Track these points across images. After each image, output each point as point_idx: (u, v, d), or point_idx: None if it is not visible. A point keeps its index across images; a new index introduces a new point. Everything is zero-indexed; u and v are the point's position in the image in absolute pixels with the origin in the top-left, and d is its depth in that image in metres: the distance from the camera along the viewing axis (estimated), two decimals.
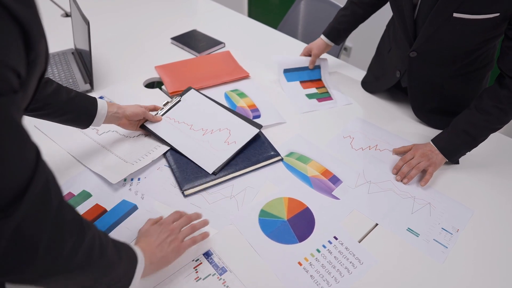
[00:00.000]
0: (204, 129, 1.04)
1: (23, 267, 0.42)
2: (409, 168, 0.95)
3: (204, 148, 0.98)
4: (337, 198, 0.90)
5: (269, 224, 0.83)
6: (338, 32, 1.25)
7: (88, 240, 0.50)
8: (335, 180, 0.94)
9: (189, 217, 0.76)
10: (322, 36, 1.27)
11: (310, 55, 1.30)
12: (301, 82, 1.25)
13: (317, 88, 1.25)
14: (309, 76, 1.28)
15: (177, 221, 0.75)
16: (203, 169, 0.92)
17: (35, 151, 0.42)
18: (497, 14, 0.82)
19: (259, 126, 1.03)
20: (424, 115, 1.13)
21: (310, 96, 1.21)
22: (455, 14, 0.86)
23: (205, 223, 0.78)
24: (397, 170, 0.97)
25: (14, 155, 0.38)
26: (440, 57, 1.00)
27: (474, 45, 0.94)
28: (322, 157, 1.00)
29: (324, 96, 1.22)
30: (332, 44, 1.27)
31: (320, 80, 1.28)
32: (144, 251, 0.65)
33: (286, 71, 1.25)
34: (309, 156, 1.00)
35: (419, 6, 0.92)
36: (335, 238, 0.81)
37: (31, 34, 0.35)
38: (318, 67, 1.30)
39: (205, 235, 0.75)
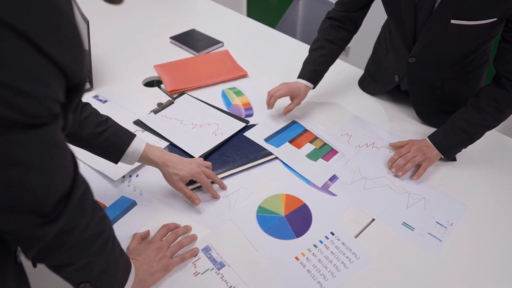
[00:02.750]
0: (194, 123, 1.08)
1: (56, 254, 0.49)
2: (405, 161, 0.97)
3: (192, 138, 1.03)
4: (334, 194, 0.91)
5: (267, 220, 0.84)
6: (319, 73, 1.12)
7: (107, 233, 0.56)
8: (332, 176, 0.95)
9: (176, 233, 0.78)
10: (302, 81, 1.09)
11: (282, 97, 1.09)
12: (290, 141, 1.04)
13: (311, 142, 1.05)
14: (295, 132, 1.07)
15: (165, 237, 0.77)
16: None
17: (73, 162, 0.47)
18: (495, 19, 0.83)
19: (246, 121, 1.09)
20: (429, 118, 1.13)
21: (312, 156, 1.00)
22: (452, 21, 0.86)
23: (193, 238, 0.79)
24: (392, 163, 0.98)
25: (59, 171, 0.44)
26: (439, 61, 1.01)
27: (472, 47, 0.95)
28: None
29: (327, 151, 1.02)
30: (312, 87, 1.12)
31: (307, 131, 1.08)
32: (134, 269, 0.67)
33: (268, 139, 1.04)
34: None
35: (419, 14, 0.91)
36: (332, 233, 0.82)
37: (71, 75, 0.39)
38: (294, 122, 1.12)
39: (193, 252, 0.76)
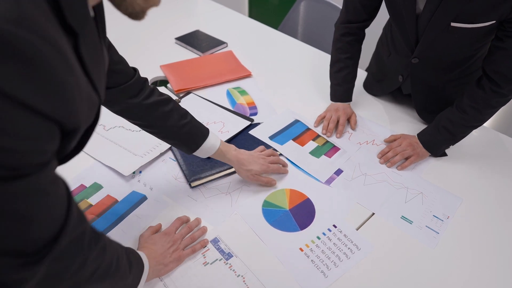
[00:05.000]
0: (200, 121, 1.10)
1: None
2: (394, 154, 1.02)
3: None
4: (336, 190, 0.95)
5: (272, 214, 0.88)
6: (352, 89, 1.18)
7: (107, 262, 0.53)
8: (333, 173, 0.99)
9: (190, 226, 0.82)
10: (342, 103, 1.17)
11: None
12: (293, 139, 1.08)
13: (313, 140, 1.09)
14: (298, 131, 1.12)
15: (179, 230, 0.81)
16: (208, 162, 0.97)
17: (66, 208, 0.43)
18: (493, 22, 0.85)
19: (251, 120, 1.13)
20: (431, 118, 1.14)
21: (315, 153, 1.05)
22: (452, 24, 0.88)
23: (203, 231, 0.83)
24: (382, 155, 1.03)
25: (41, 220, 0.40)
26: (441, 63, 1.03)
27: (473, 50, 0.98)
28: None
29: (329, 148, 1.07)
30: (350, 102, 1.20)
31: (309, 129, 1.13)
32: (148, 258, 0.70)
33: (272, 137, 1.09)
34: None
35: (420, 17, 0.93)
36: (334, 226, 0.86)
37: (63, 124, 0.37)
38: (297, 121, 1.15)
39: (203, 243, 0.80)
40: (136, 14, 0.44)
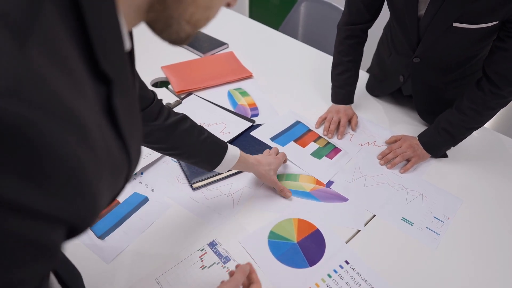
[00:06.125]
0: (202, 123, 1.12)
1: None
2: (394, 155, 1.02)
3: None
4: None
5: (279, 246, 0.82)
6: (353, 92, 1.18)
7: None
8: (330, 183, 0.97)
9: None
10: (345, 106, 1.17)
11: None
12: (295, 141, 1.09)
13: (315, 141, 1.09)
14: (299, 132, 1.12)
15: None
16: None
17: None
18: (496, 22, 0.85)
19: (252, 121, 1.14)
20: (432, 119, 1.13)
21: (316, 155, 1.05)
22: (455, 24, 0.88)
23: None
24: (382, 156, 1.03)
25: None
26: (443, 63, 1.03)
27: (476, 50, 0.97)
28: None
29: (330, 149, 1.07)
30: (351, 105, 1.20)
31: (310, 130, 1.13)
32: None
33: (273, 138, 1.09)
34: (295, 172, 1.00)
35: (422, 17, 0.92)
36: (347, 262, 0.79)
37: (79, 225, 0.30)
38: (298, 122, 1.16)
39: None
40: (180, 40, 0.39)
